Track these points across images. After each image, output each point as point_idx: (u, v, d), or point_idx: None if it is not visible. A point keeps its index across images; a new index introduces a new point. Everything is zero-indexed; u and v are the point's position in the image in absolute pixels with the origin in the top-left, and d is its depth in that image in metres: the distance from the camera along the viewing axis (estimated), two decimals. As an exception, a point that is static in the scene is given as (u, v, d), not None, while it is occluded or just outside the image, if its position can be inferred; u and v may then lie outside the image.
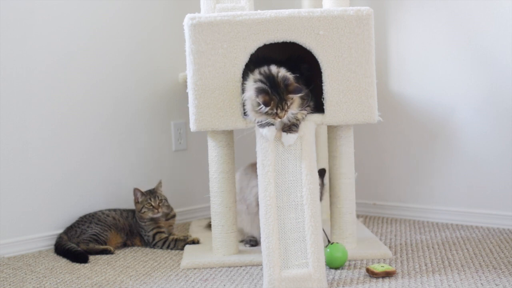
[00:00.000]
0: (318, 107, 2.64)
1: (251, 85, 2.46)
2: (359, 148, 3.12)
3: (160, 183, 3.09)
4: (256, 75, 2.47)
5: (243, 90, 2.56)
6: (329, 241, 2.64)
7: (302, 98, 2.54)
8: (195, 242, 2.96)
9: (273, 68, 2.47)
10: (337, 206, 2.75)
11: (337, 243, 2.59)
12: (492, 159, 3.14)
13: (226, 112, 2.60)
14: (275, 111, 2.42)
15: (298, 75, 2.52)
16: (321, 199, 2.74)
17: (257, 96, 2.41)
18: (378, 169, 3.42)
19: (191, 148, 3.52)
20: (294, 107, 2.47)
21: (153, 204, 3.00)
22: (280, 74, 2.45)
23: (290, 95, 2.43)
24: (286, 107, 2.43)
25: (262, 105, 2.40)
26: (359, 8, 2.59)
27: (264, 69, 2.47)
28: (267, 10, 2.60)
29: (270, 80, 2.43)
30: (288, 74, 2.46)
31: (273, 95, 2.41)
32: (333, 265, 2.57)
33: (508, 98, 3.07)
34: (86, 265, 2.75)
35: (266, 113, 2.43)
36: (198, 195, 3.46)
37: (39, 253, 2.98)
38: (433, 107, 3.30)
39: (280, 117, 2.43)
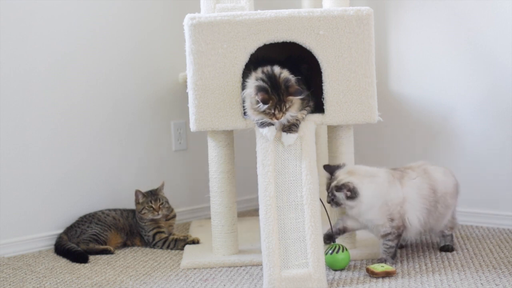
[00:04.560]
0: (318, 107, 2.64)
1: (252, 82, 2.47)
2: (359, 148, 3.13)
3: (162, 184, 3.08)
4: (258, 73, 2.47)
5: (243, 90, 2.55)
6: (328, 217, 2.65)
7: (302, 98, 2.54)
8: (195, 242, 2.96)
9: (276, 69, 2.47)
10: (337, 206, 2.75)
11: (339, 244, 2.59)
12: (492, 159, 3.14)
13: (226, 112, 2.60)
14: (272, 111, 2.42)
15: (300, 77, 2.52)
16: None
17: (256, 93, 2.41)
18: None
19: (191, 148, 3.52)
20: (294, 109, 2.47)
21: (153, 206, 3.00)
22: (282, 75, 2.45)
23: (290, 97, 2.43)
24: (284, 108, 2.43)
25: (260, 103, 2.40)
26: (359, 8, 2.59)
27: (268, 68, 2.47)
28: (267, 10, 2.60)
29: (272, 80, 2.43)
30: (291, 76, 2.46)
31: (273, 95, 2.41)
32: (335, 267, 2.56)
33: (508, 98, 3.07)
34: (86, 265, 2.75)
35: (264, 112, 2.43)
36: (198, 195, 3.46)
37: (39, 253, 2.98)
38: (433, 107, 3.30)
39: (277, 118, 2.43)
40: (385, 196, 2.55)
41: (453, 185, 2.73)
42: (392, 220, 2.56)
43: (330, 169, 2.61)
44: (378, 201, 2.54)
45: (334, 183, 2.55)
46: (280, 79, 2.44)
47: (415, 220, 2.60)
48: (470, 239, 2.93)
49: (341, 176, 2.55)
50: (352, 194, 2.51)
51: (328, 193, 2.57)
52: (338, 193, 2.53)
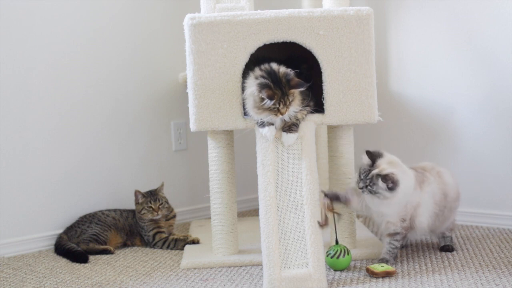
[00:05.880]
0: (318, 107, 2.64)
1: (252, 82, 2.47)
2: (359, 148, 3.12)
3: (162, 185, 3.08)
4: (257, 72, 2.48)
5: (243, 90, 2.56)
6: (335, 223, 2.64)
7: (302, 97, 2.54)
8: (195, 242, 2.96)
9: (274, 65, 2.48)
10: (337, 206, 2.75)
11: (341, 248, 2.58)
12: (492, 159, 3.14)
13: (226, 112, 2.60)
14: (277, 106, 2.42)
15: (298, 70, 2.52)
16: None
17: (260, 91, 2.41)
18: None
19: (191, 148, 3.52)
20: (295, 104, 2.47)
21: (153, 206, 3.00)
22: (281, 70, 2.46)
23: (292, 90, 2.43)
24: (288, 102, 2.43)
25: (266, 100, 2.40)
26: (359, 8, 2.59)
27: (265, 66, 2.48)
28: (267, 10, 2.60)
29: (272, 75, 2.44)
30: (289, 70, 2.47)
31: (276, 89, 2.42)
32: (336, 268, 2.56)
33: (508, 98, 3.07)
34: (86, 265, 2.75)
35: (269, 109, 2.43)
36: (198, 195, 3.46)
37: (39, 253, 2.98)
38: (433, 107, 3.30)
39: (281, 113, 2.44)
40: (410, 196, 2.56)
41: (456, 189, 2.75)
42: (403, 220, 2.57)
43: (372, 157, 2.55)
44: (405, 199, 2.54)
45: (376, 171, 2.49)
46: (280, 73, 2.44)
47: (424, 223, 2.62)
48: (470, 239, 2.93)
49: (384, 166, 2.51)
50: (394, 185, 2.46)
51: (367, 179, 2.51)
52: (381, 182, 2.47)
